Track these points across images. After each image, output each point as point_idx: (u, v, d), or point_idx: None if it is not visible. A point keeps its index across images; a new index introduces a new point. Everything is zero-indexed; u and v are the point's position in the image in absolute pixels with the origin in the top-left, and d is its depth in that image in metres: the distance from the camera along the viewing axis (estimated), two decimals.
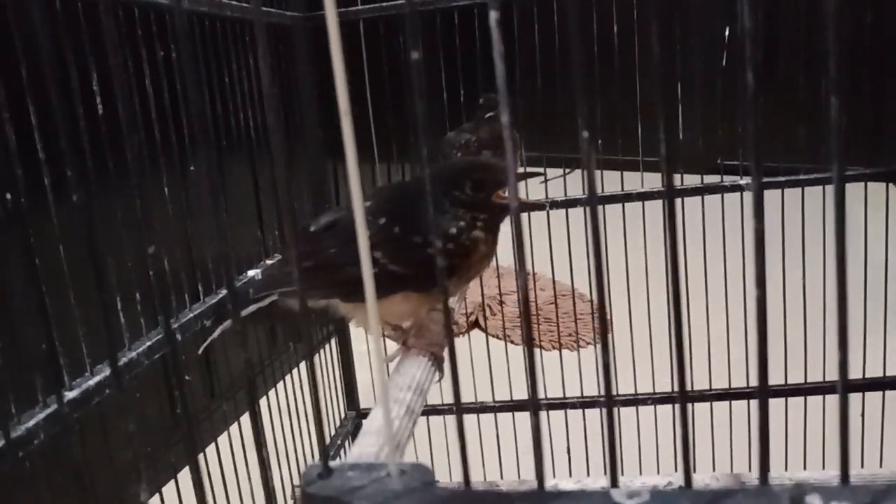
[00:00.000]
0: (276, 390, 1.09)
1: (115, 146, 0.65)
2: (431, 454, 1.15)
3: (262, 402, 1.03)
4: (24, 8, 0.49)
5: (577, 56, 0.30)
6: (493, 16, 0.29)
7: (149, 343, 0.65)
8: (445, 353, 0.79)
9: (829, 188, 1.19)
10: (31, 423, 0.53)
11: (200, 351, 0.63)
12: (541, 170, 0.79)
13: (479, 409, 1.20)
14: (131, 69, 0.72)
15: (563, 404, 1.18)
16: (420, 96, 0.31)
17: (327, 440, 1.13)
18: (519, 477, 1.17)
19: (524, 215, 1.14)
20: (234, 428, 0.99)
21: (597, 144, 1.15)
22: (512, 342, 1.78)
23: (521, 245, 0.32)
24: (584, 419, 1.19)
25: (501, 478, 1.17)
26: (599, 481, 0.97)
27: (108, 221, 0.66)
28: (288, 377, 1.10)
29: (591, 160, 0.30)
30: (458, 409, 0.34)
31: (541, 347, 1.80)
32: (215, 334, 0.64)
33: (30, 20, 0.31)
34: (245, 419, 1.04)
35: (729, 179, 1.14)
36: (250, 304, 0.61)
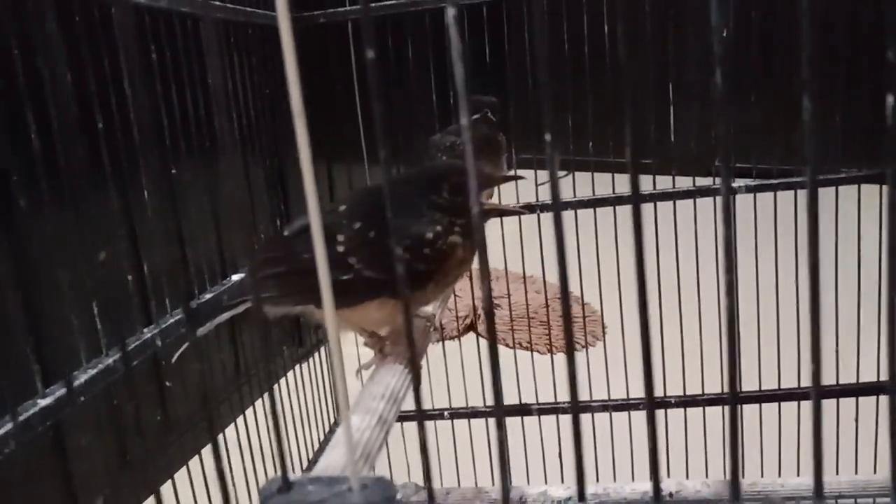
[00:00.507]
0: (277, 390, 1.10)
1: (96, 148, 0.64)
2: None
3: (251, 408, 1.02)
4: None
5: (541, 40, 0.29)
6: (451, 12, 0.28)
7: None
8: (423, 361, 0.77)
9: (826, 190, 1.16)
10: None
11: (173, 360, 0.61)
12: (527, 173, 0.77)
13: (471, 413, 1.19)
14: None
15: (554, 409, 1.16)
16: (377, 97, 0.30)
17: (315, 445, 1.12)
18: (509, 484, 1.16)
19: (516, 218, 1.12)
20: (229, 430, 0.99)
21: (588, 146, 1.14)
22: (506, 345, 1.77)
23: (483, 253, 0.31)
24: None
25: (493, 484, 1.16)
26: (590, 488, 0.95)
27: (84, 226, 0.64)
28: (283, 380, 1.10)
29: (554, 162, 0.29)
30: (421, 422, 0.33)
31: (534, 351, 1.78)
32: (178, 353, 0.63)
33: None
34: (237, 421, 1.02)
35: None
36: (224, 312, 0.60)
